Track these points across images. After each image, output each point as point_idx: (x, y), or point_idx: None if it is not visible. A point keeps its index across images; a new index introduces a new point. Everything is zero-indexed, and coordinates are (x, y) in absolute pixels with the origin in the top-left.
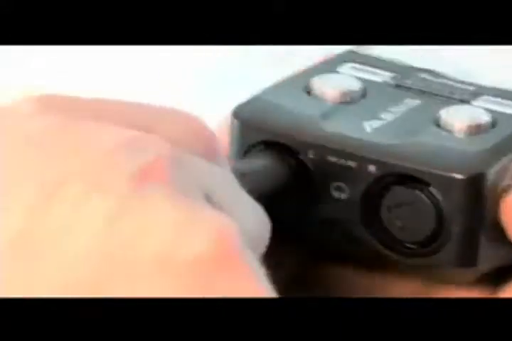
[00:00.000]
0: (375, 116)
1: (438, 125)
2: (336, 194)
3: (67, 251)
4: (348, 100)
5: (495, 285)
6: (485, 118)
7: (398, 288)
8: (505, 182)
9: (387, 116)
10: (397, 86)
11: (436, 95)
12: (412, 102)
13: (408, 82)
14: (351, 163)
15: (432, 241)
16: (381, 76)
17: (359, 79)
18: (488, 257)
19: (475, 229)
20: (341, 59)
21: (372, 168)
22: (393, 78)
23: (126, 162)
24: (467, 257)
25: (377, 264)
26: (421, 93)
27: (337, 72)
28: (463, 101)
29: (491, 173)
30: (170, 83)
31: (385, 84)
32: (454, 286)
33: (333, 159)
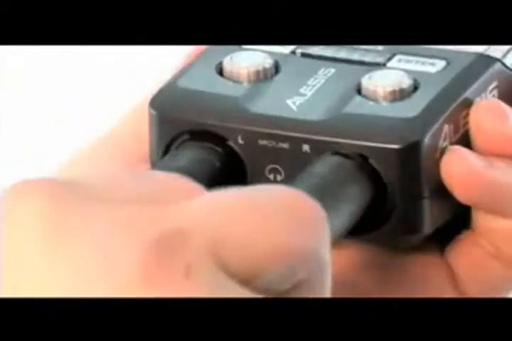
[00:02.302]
0: (295, 92)
1: (361, 93)
2: (271, 176)
3: None
4: (263, 78)
5: (438, 243)
6: (406, 81)
7: (344, 257)
8: (441, 144)
9: (307, 91)
10: (305, 55)
11: (349, 61)
12: (328, 72)
13: (315, 50)
14: (284, 145)
15: (377, 214)
16: (286, 47)
17: (267, 53)
18: (433, 220)
19: (418, 197)
20: None
21: (306, 147)
22: (298, 48)
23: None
24: (413, 225)
25: None
26: (332, 60)
27: (244, 49)
28: (378, 65)
29: (427, 140)
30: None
31: (293, 54)
32: (400, 251)
33: (264, 142)
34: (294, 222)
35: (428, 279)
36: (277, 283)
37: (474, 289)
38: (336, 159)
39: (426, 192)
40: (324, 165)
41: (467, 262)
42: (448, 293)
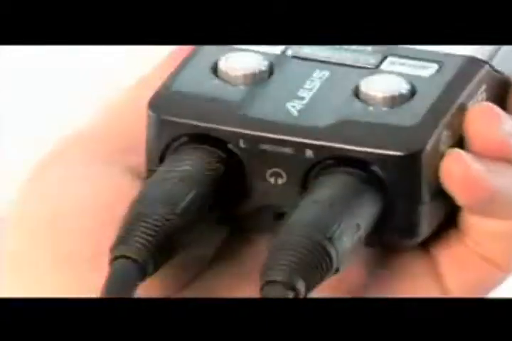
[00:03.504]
0: (294, 96)
1: (359, 98)
2: (272, 180)
3: None
4: (259, 80)
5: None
6: (405, 86)
7: None
8: (440, 150)
9: (305, 94)
10: (297, 57)
11: (342, 64)
12: (322, 74)
13: (305, 51)
14: (286, 150)
15: (377, 222)
16: (276, 48)
17: (259, 53)
18: (430, 225)
19: (418, 202)
20: None
21: (309, 153)
22: (287, 49)
23: None
24: (411, 229)
25: None
26: (324, 63)
27: (237, 49)
28: (371, 68)
29: (428, 147)
30: None
31: (283, 56)
32: (395, 253)
33: (265, 147)
34: None
35: (412, 275)
36: None
37: (457, 287)
38: (340, 178)
39: (426, 198)
40: (331, 189)
41: (451, 260)
42: (431, 289)
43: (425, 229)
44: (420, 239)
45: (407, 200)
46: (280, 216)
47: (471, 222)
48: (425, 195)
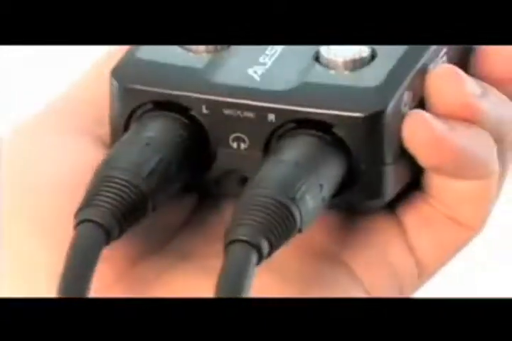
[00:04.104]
0: (255, 62)
1: (320, 62)
2: (234, 144)
3: None
4: (221, 48)
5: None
6: (365, 50)
7: None
8: (402, 111)
9: (266, 60)
10: None
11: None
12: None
13: None
14: (249, 114)
15: (342, 184)
16: None
17: None
18: (395, 186)
19: (381, 163)
20: None
21: (271, 117)
22: None
23: None
24: (376, 191)
25: None
26: None
27: None
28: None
29: (389, 108)
30: None
31: None
32: (359, 215)
33: (228, 112)
34: None
35: (379, 237)
36: None
37: (426, 247)
38: (303, 140)
39: (389, 159)
40: (294, 150)
41: (419, 221)
42: (400, 251)
43: (390, 190)
44: (385, 200)
45: (371, 162)
46: (244, 181)
47: (436, 183)
48: (388, 156)
